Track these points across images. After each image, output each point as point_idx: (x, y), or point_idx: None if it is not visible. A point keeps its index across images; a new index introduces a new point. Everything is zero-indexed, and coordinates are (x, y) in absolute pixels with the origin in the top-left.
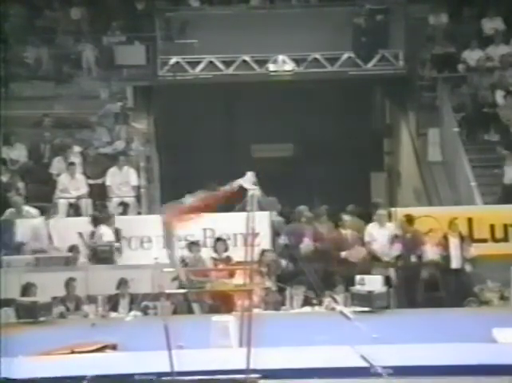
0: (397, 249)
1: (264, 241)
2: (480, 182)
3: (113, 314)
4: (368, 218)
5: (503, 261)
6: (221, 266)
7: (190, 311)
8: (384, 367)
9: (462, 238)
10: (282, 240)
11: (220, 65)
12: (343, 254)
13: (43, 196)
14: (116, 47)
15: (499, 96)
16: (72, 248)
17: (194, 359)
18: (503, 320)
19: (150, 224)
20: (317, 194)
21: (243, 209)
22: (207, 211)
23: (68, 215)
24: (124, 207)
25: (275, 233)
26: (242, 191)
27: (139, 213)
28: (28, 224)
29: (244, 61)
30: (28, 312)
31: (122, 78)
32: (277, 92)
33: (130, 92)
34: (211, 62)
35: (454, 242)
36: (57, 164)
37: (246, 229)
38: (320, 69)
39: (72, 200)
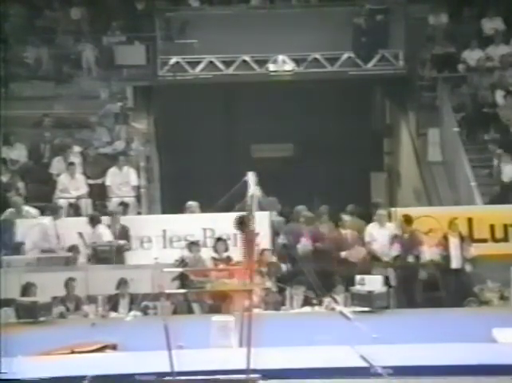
0: (396, 249)
1: (264, 241)
2: (480, 182)
3: (113, 314)
4: (368, 218)
5: (503, 261)
6: (221, 266)
7: (190, 311)
8: (384, 367)
9: (462, 238)
10: (281, 240)
11: (220, 65)
12: (343, 254)
13: (43, 196)
14: (116, 47)
15: (499, 96)
16: (72, 248)
17: (194, 359)
18: (503, 320)
19: (150, 224)
20: (316, 194)
21: (243, 209)
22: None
23: (69, 215)
24: (124, 207)
25: (275, 233)
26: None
27: (139, 213)
28: (35, 224)
29: (244, 61)
30: (28, 312)
31: (122, 78)
32: (277, 92)
33: (130, 92)
34: (211, 62)
35: (454, 242)
36: (57, 164)
37: None
38: (320, 69)
39: (72, 200)
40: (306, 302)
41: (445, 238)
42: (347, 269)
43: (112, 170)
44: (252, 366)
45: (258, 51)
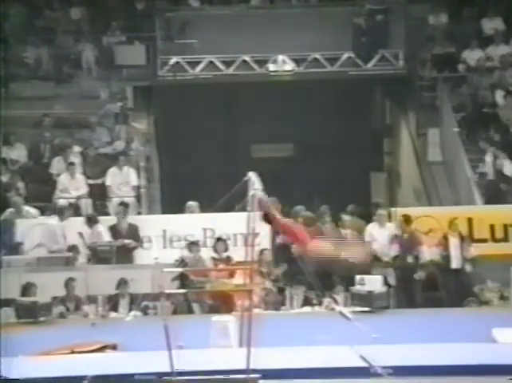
0: (395, 249)
1: (264, 241)
2: (480, 182)
3: (113, 314)
4: (368, 218)
5: (503, 261)
6: (221, 266)
7: (190, 311)
8: (384, 367)
9: (462, 238)
10: (280, 239)
11: (220, 65)
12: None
13: (43, 196)
14: (116, 47)
15: (499, 96)
16: (72, 248)
17: (194, 359)
18: (503, 320)
19: (150, 224)
20: (316, 194)
21: (243, 209)
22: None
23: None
24: (124, 207)
25: (275, 233)
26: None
27: (139, 213)
28: (38, 225)
29: (244, 61)
30: (28, 312)
31: (122, 78)
32: (277, 92)
33: (130, 92)
34: (211, 62)
35: (454, 242)
36: (57, 164)
37: (246, 229)
38: (320, 69)
39: (72, 200)
40: (306, 302)
41: (445, 238)
42: (347, 269)
43: (112, 170)
44: (252, 366)
45: (258, 51)
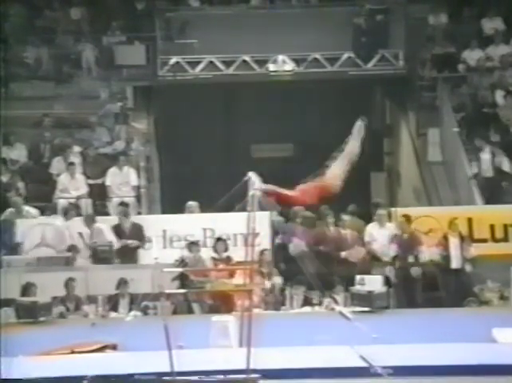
0: (393, 249)
1: (264, 241)
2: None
3: (113, 314)
4: (368, 218)
5: (503, 261)
6: (221, 266)
7: (190, 311)
8: (384, 367)
9: (462, 238)
10: (278, 239)
11: (220, 65)
12: (343, 254)
13: (43, 196)
14: (116, 47)
15: (499, 96)
16: (72, 248)
17: (194, 359)
18: (503, 320)
19: (150, 224)
20: None
21: (243, 209)
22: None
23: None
24: (124, 207)
25: (275, 233)
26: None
27: (139, 213)
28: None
29: (244, 61)
30: (28, 312)
31: (122, 78)
32: (277, 92)
33: (130, 92)
34: (211, 62)
35: (454, 242)
36: (57, 164)
37: (246, 229)
38: (320, 69)
39: (72, 200)
40: (306, 302)
41: (445, 238)
42: (347, 269)
43: (112, 170)
44: (252, 366)
45: (258, 51)
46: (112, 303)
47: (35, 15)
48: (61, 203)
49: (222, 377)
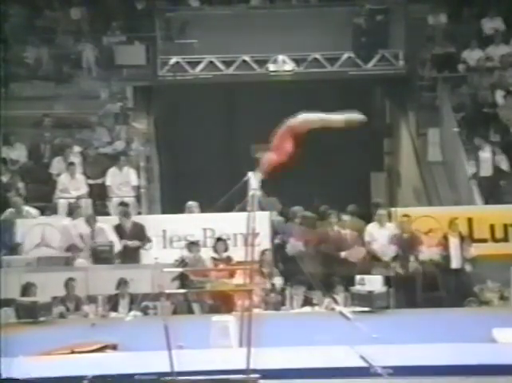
0: (392, 250)
1: (264, 241)
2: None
3: (113, 314)
4: (368, 218)
5: (503, 261)
6: (221, 266)
7: (190, 311)
8: (384, 367)
9: (462, 238)
10: (278, 239)
11: (220, 65)
12: (343, 254)
13: (43, 196)
14: (116, 47)
15: (499, 96)
16: (73, 248)
17: (194, 359)
18: (503, 320)
19: (150, 224)
20: (316, 194)
21: (243, 209)
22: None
23: (69, 215)
24: (124, 208)
25: (275, 233)
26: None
27: (139, 213)
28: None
29: (244, 61)
30: (28, 312)
31: (122, 78)
32: (277, 92)
33: (130, 92)
34: (211, 62)
35: (454, 242)
36: (57, 164)
37: (246, 229)
38: (320, 69)
39: (72, 200)
40: (306, 302)
41: (445, 238)
42: (347, 269)
43: (112, 170)
44: (252, 366)
45: (258, 51)
46: (112, 303)
47: (35, 15)
48: (61, 203)
49: (222, 376)
